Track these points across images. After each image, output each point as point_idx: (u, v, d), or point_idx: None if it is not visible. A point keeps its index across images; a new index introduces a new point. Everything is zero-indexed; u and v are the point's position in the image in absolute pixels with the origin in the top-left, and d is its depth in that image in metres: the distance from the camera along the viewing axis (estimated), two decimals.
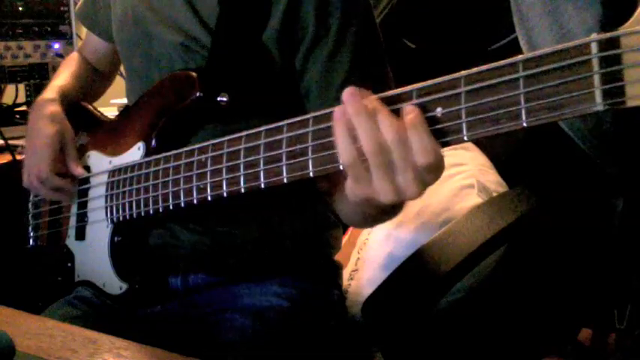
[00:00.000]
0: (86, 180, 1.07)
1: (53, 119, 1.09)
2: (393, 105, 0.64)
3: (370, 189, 0.65)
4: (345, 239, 1.27)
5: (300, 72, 0.95)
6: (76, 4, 1.89)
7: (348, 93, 0.64)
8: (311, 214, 1.08)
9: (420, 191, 0.63)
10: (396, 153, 0.62)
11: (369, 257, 1.25)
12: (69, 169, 1.08)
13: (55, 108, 1.11)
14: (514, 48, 1.00)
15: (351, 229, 1.36)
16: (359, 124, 0.63)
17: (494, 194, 1.20)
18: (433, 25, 1.45)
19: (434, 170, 0.62)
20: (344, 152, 0.65)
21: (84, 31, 1.31)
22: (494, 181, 1.23)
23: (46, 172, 1.06)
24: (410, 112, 0.61)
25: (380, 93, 0.65)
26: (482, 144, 1.28)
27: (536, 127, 0.56)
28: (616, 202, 1.16)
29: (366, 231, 1.31)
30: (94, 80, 1.29)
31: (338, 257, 1.15)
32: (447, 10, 1.42)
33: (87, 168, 1.09)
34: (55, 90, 1.16)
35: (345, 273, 1.20)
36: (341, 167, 0.67)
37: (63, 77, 1.22)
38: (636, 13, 0.49)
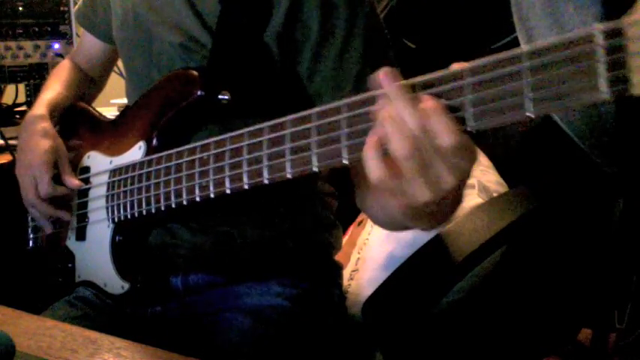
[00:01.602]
0: (86, 180, 1.07)
1: (45, 135, 1.09)
2: None
3: (406, 197, 0.62)
4: (345, 239, 1.27)
5: (308, 75, 0.94)
6: (76, 3, 1.88)
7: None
8: (311, 214, 1.08)
9: (455, 178, 0.59)
10: (423, 142, 0.59)
11: (369, 257, 1.25)
12: (65, 183, 1.08)
13: (46, 124, 1.11)
14: (514, 48, 1.00)
15: (351, 228, 1.37)
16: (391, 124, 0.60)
17: (495, 194, 1.20)
18: (433, 25, 1.45)
19: (463, 151, 0.59)
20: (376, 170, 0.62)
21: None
22: (494, 181, 1.23)
23: (48, 188, 1.06)
24: (427, 99, 0.59)
25: None
26: (482, 144, 1.28)
27: (536, 125, 0.55)
28: (616, 202, 1.16)
29: (366, 231, 1.31)
30: (84, 87, 1.28)
31: (338, 257, 1.15)
32: (447, 10, 1.42)
33: (87, 168, 1.09)
34: (44, 105, 1.15)
35: (345, 273, 1.20)
36: (345, 162, 0.66)
37: (52, 89, 1.21)
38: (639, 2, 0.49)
